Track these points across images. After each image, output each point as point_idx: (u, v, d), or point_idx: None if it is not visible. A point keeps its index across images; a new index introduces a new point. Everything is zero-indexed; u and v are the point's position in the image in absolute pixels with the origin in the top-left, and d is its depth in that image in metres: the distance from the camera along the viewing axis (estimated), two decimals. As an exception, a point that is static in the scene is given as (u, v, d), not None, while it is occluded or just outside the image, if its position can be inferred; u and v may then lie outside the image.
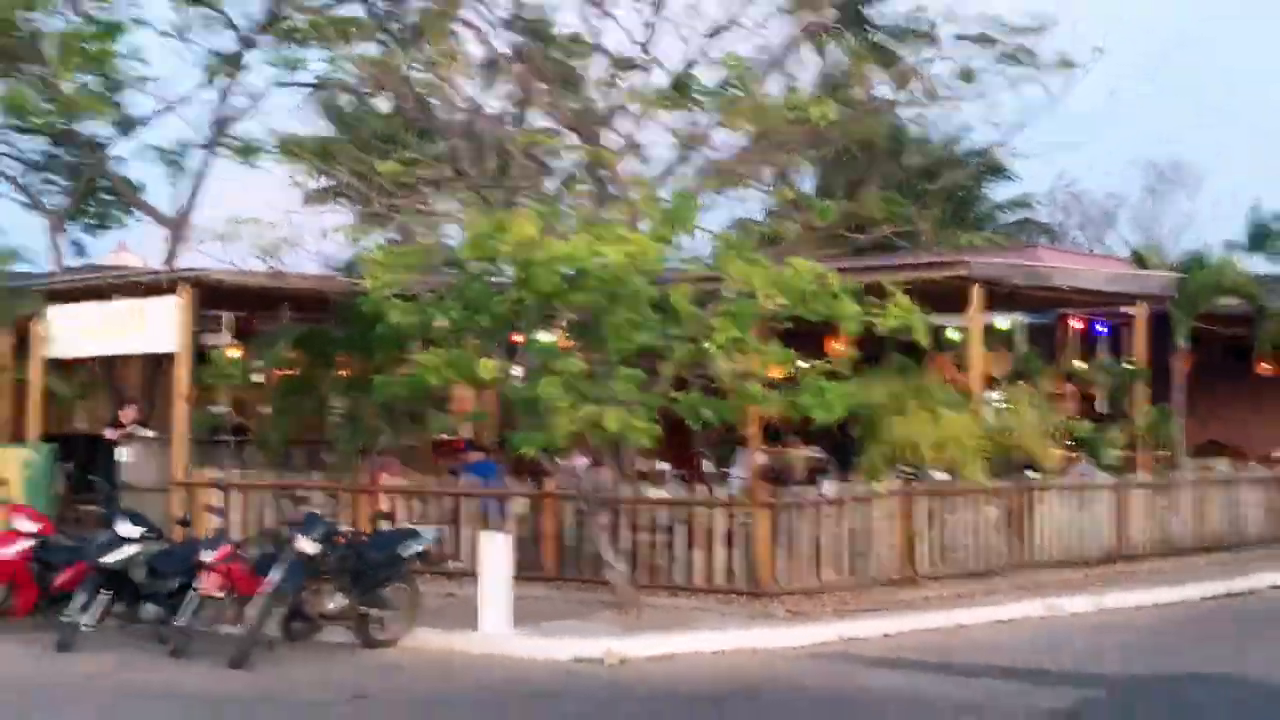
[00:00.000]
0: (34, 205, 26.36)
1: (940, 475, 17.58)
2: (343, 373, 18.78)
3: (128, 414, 21.01)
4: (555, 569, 16.94)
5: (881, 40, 20.99)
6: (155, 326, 19.43)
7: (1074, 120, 20.35)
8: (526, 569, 16.28)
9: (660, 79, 17.77)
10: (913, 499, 17.20)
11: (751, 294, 13.22)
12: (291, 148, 26.68)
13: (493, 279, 14.21)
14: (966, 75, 18.25)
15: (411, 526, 15.03)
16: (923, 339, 13.95)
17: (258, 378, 20.34)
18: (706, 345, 13.06)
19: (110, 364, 22.96)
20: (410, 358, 15.88)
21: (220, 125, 24.28)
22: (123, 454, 20.22)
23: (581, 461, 20.37)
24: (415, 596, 14.47)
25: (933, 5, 18.84)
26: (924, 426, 17.03)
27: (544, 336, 15.17)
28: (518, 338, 15.30)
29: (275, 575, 13.20)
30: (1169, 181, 50.35)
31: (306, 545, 13.36)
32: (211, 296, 19.69)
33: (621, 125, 18.08)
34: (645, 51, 17.79)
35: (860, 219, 18.86)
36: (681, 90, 16.99)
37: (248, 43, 23.04)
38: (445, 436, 21.73)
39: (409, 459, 19.71)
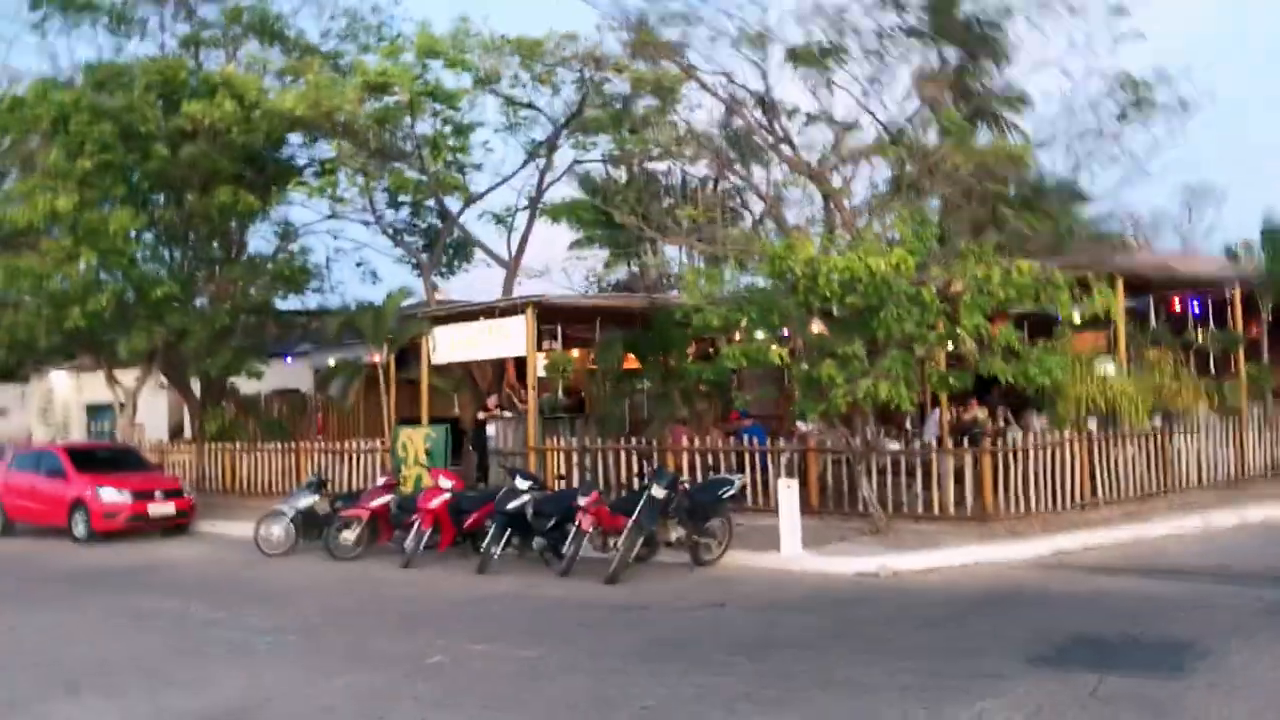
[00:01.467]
0: (410, 259, 26.43)
1: (1092, 424, 16.25)
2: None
3: (491, 401, 20.78)
4: (818, 504, 16.01)
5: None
6: (511, 337, 19.15)
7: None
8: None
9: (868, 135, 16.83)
10: (1092, 441, 15.82)
11: (986, 289, 12.15)
12: (553, 210, 26.69)
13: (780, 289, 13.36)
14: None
15: (725, 475, 14.20)
16: (1120, 321, 12.66)
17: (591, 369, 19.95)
18: (958, 330, 12.01)
19: (468, 368, 22.83)
20: (709, 351, 15.30)
21: (537, 194, 23.79)
22: (490, 430, 19.99)
23: (812, 425, 19.52)
24: (730, 527, 13.70)
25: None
26: (1097, 386, 15.67)
27: (815, 329, 14.26)
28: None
29: (637, 514, 12.58)
30: (1199, 197, 47.45)
31: (659, 491, 12.73)
32: (546, 314, 19.27)
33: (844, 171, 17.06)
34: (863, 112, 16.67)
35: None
36: (896, 142, 15.86)
37: (555, 134, 22.45)
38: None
39: (697, 427, 18.94)
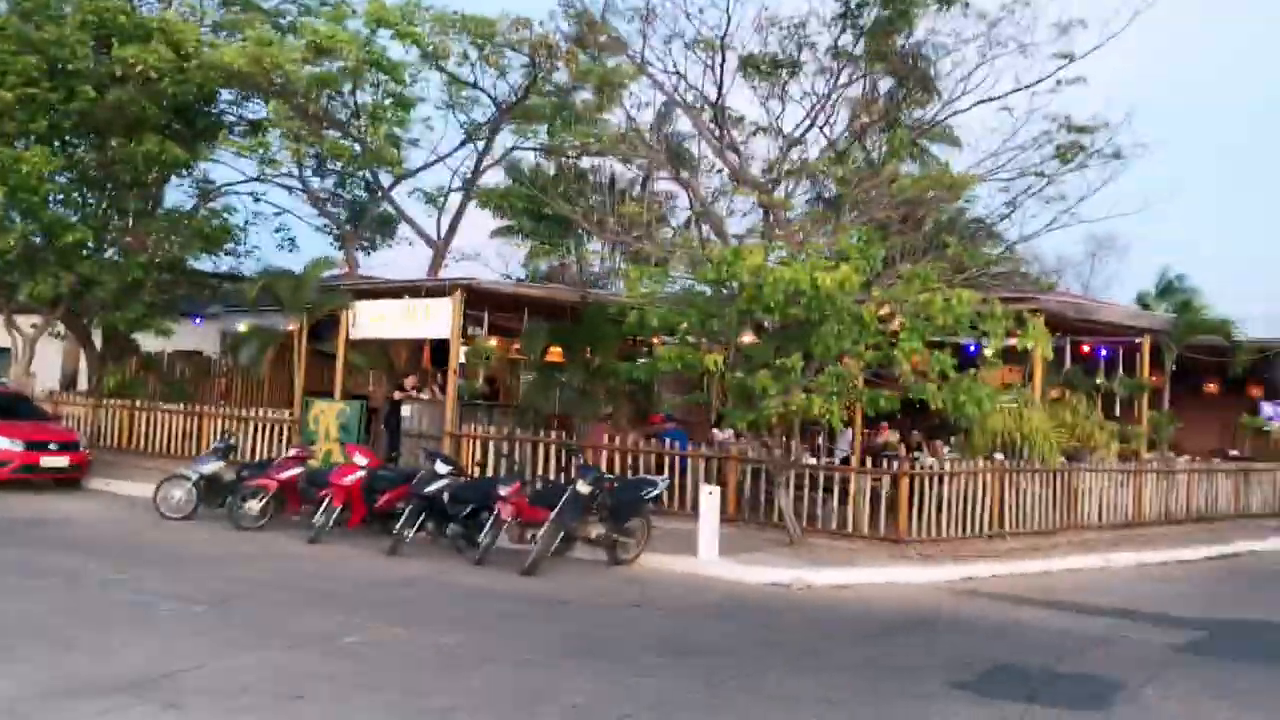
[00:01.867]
0: (331, 230, 25.80)
1: (999, 456, 16.55)
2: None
3: (409, 381, 20.34)
4: (734, 513, 15.98)
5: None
6: (436, 319, 18.79)
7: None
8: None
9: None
10: (1003, 474, 16.09)
11: (926, 315, 12.24)
12: (484, 195, 26.34)
13: (722, 294, 13.29)
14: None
15: (649, 476, 14.08)
16: (1048, 354, 12.88)
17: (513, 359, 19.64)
18: (894, 351, 12.06)
19: (384, 346, 22.35)
20: (639, 351, 15.17)
21: (473, 176, 23.41)
22: (405, 411, 19.58)
23: (728, 434, 19.54)
24: (648, 528, 13.59)
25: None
26: (1013, 420, 15.95)
27: (747, 339, 14.24)
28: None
29: (560, 508, 12.39)
30: (1104, 247, 48.83)
31: (584, 487, 12.59)
32: (473, 300, 18.93)
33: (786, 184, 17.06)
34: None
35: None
36: (842, 160, 15.91)
37: (498, 118, 22.09)
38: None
39: (616, 427, 18.77)
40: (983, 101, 16.28)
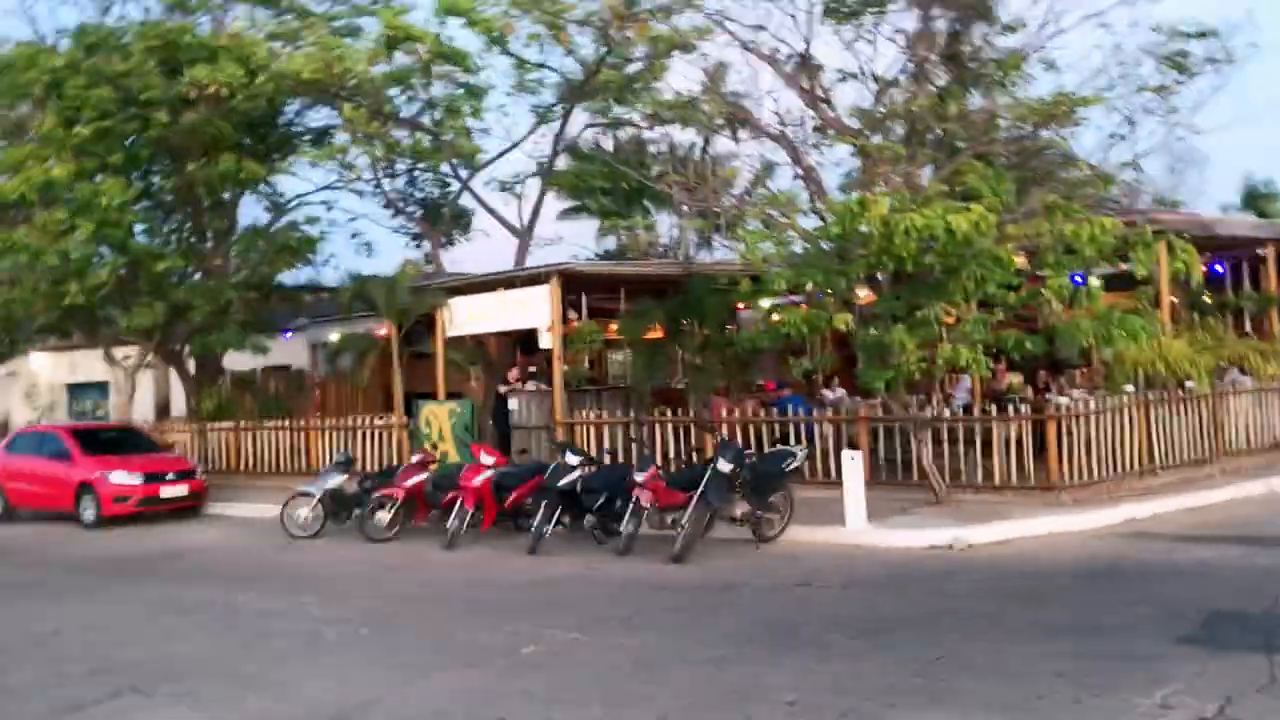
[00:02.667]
0: (408, 230, 25.51)
1: (1129, 388, 15.73)
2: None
3: (513, 374, 20.04)
4: (868, 475, 15.31)
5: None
6: (533, 308, 18.42)
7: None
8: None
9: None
10: (1149, 406, 15.29)
11: (1069, 248, 11.52)
12: (558, 179, 25.81)
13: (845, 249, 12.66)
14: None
15: (786, 447, 13.53)
16: (1199, 277, 12.08)
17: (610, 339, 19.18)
18: (1042, 290, 11.37)
19: (479, 340, 22.03)
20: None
21: (551, 159, 22.93)
22: (512, 404, 19.26)
23: (840, 393, 18.94)
24: (791, 501, 13.06)
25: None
26: (1152, 349, 15.10)
27: (862, 293, 13.60)
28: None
29: (704, 489, 11.92)
30: (1184, 160, 46.99)
31: (725, 465, 12.09)
32: (569, 283, 18.48)
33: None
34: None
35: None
36: (951, 95, 15.03)
37: (572, 96, 21.50)
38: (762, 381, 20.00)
39: (732, 398, 18.23)
40: (1087, 18, 15.25)
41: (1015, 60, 15.08)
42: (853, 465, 12.95)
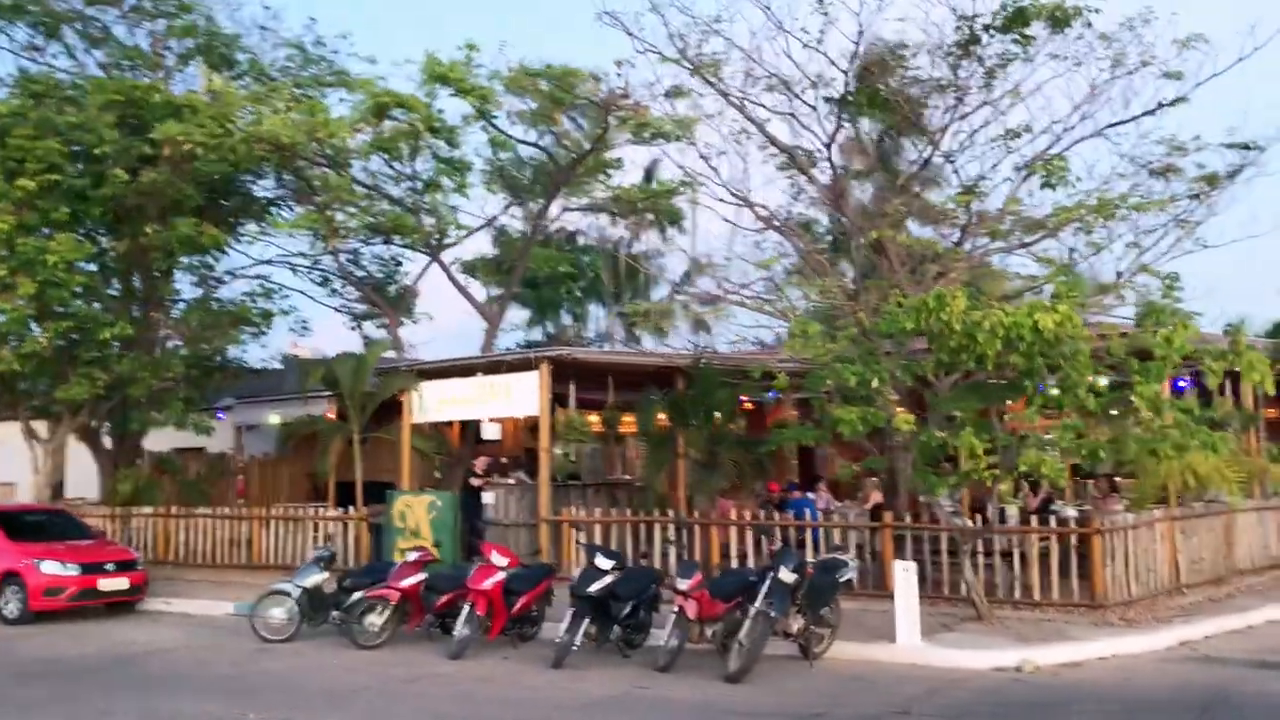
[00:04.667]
0: (355, 308, 24.14)
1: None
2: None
3: (480, 463, 18.67)
4: (888, 587, 14.41)
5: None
6: (519, 395, 17.31)
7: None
8: (871, 587, 14.13)
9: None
10: (1176, 522, 14.81)
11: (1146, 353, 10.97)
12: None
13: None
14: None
15: (837, 556, 12.51)
16: (1270, 387, 11.61)
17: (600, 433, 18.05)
18: (1131, 395, 10.72)
19: (438, 428, 20.68)
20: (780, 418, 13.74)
21: (525, 246, 21.98)
22: (487, 497, 17.89)
23: (827, 497, 18.08)
24: (838, 615, 12.03)
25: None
26: (1182, 463, 14.63)
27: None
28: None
29: (768, 599, 10.84)
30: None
31: (788, 575, 11.02)
32: (558, 371, 17.38)
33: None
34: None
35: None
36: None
37: (564, 175, 20.57)
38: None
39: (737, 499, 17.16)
40: (1109, 127, 15.04)
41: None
42: (906, 577, 12.03)
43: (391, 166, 19.13)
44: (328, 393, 21.49)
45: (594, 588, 11.80)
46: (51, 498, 23.84)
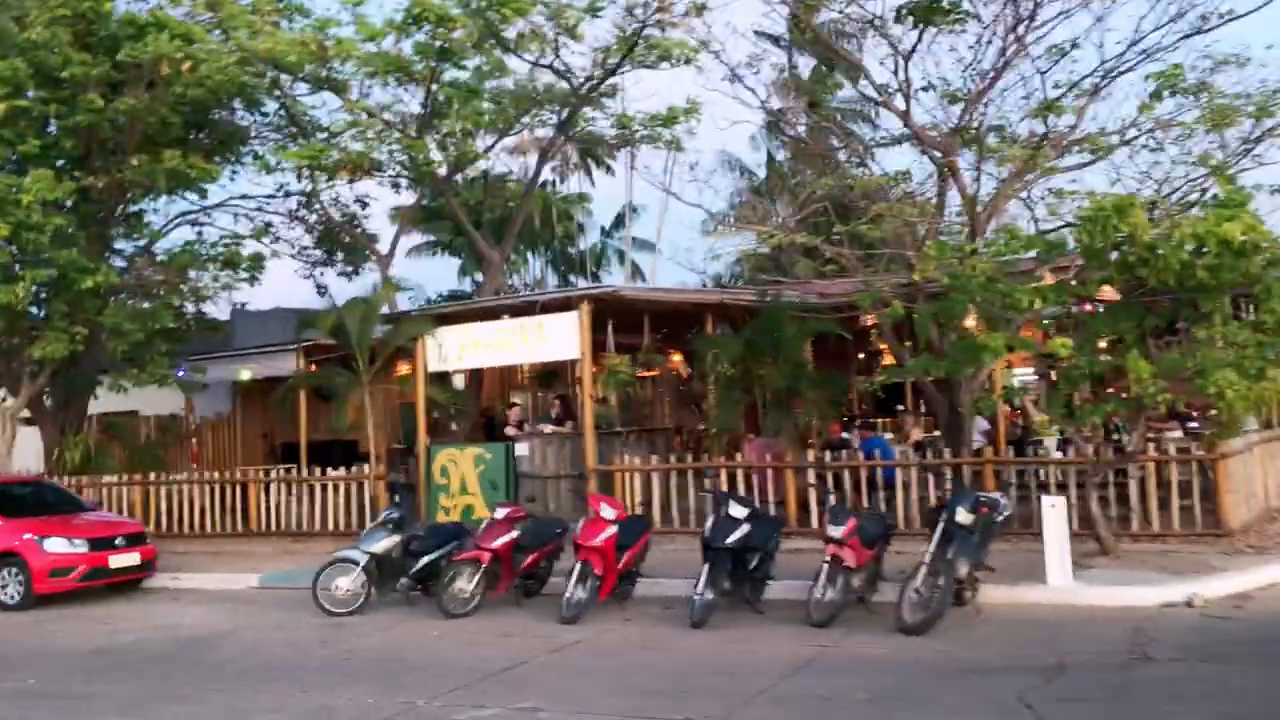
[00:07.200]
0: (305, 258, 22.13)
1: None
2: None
3: (514, 413, 17.20)
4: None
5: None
6: (556, 338, 15.82)
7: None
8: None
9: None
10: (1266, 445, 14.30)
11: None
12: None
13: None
14: None
15: (991, 495, 11.43)
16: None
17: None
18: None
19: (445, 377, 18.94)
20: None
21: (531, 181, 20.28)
22: (520, 449, 16.42)
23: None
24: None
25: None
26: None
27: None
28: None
29: (955, 546, 9.80)
30: None
31: (965, 516, 10.00)
32: (598, 312, 15.93)
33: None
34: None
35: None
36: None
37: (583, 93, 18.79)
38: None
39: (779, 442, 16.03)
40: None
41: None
42: (1055, 514, 11.09)
43: (406, 89, 17.12)
44: (292, 345, 19.78)
45: (732, 538, 10.60)
46: (-2, 469, 21.49)
